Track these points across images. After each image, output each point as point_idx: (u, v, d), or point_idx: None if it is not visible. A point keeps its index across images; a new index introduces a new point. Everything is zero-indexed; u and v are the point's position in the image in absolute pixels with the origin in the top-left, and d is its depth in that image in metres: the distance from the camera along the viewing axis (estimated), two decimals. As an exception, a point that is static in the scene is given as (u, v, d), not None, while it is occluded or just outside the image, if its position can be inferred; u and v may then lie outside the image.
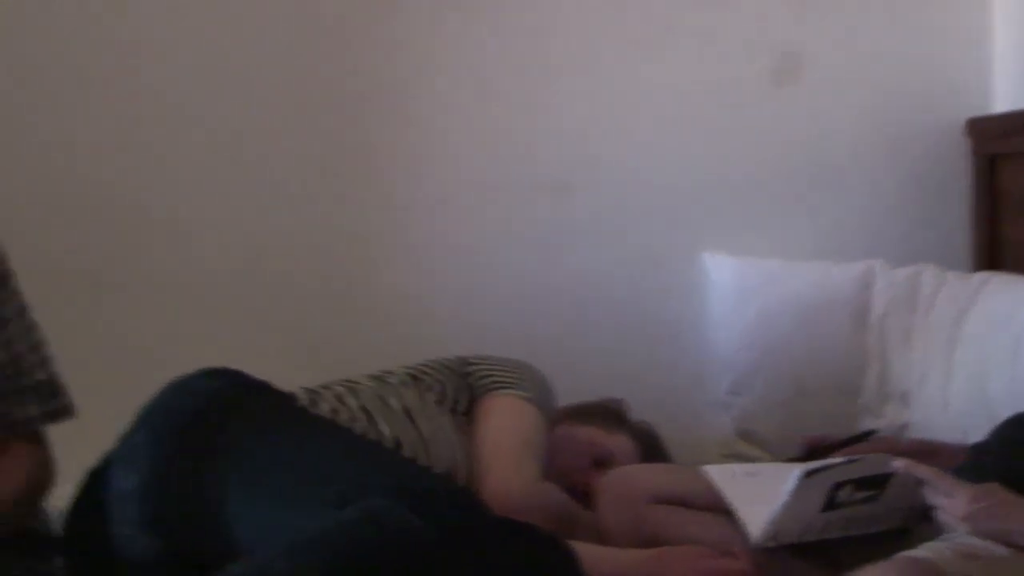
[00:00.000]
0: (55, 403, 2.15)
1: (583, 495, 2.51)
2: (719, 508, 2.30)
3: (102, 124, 2.87)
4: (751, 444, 3.05)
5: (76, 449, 2.18)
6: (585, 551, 2.00)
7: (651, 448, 2.73)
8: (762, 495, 2.20)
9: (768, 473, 2.37)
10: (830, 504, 2.13)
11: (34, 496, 2.13)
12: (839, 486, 2.11)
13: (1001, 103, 3.29)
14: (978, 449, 2.31)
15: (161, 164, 2.89)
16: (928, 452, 2.38)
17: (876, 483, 2.14)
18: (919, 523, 2.18)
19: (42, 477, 2.15)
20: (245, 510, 2.00)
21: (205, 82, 2.92)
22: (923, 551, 2.00)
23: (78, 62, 2.85)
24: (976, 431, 2.43)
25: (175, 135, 2.91)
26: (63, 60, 2.83)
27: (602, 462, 2.61)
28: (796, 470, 2.10)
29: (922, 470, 2.08)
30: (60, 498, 2.19)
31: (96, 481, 2.17)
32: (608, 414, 2.72)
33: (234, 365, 2.24)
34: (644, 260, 3.17)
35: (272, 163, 2.95)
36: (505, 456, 2.40)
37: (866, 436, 2.60)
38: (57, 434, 2.18)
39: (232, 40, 2.92)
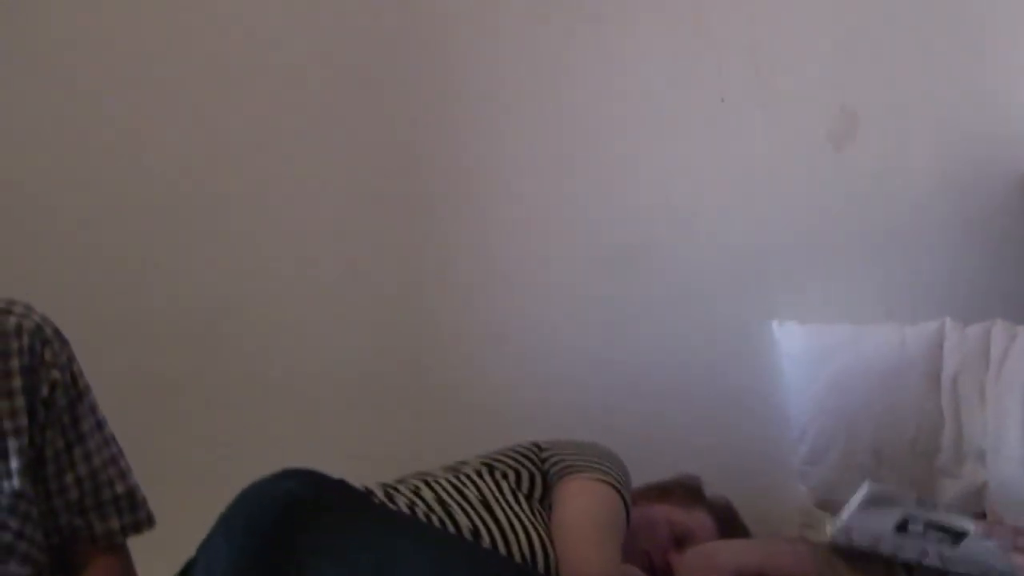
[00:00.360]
0: (135, 515, 2.17)
1: (663, 574, 2.50)
2: (802, 580, 2.29)
3: (180, 232, 2.88)
4: (830, 513, 3.02)
5: (156, 558, 2.20)
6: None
7: (729, 522, 2.72)
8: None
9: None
10: (903, 527, 2.15)
11: None
12: (913, 517, 2.14)
13: (1062, 151, 3.28)
14: None
15: (238, 264, 2.90)
16: None
17: (952, 531, 2.15)
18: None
19: None
20: (329, 611, 2.00)
21: (286, 189, 2.93)
22: None
23: (149, 174, 2.87)
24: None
25: (251, 239, 2.92)
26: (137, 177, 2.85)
27: (682, 540, 2.60)
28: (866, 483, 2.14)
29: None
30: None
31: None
32: (685, 491, 2.71)
33: (310, 463, 2.24)
34: (714, 329, 3.16)
35: (346, 252, 2.95)
36: (584, 539, 2.38)
37: None
38: (137, 544, 2.19)
39: (303, 143, 2.94)
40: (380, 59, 2.97)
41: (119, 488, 2.16)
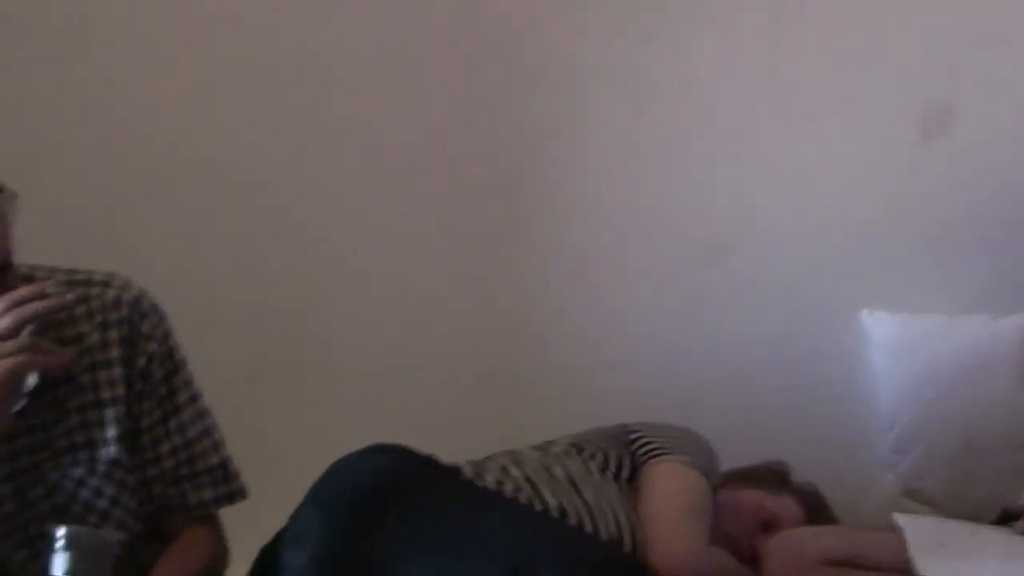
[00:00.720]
0: (229, 486, 2.21)
1: (750, 559, 2.50)
2: (889, 568, 2.27)
3: (293, 224, 2.94)
4: (919, 503, 3.00)
5: (248, 530, 2.24)
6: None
7: (816, 509, 2.71)
8: (945, 548, 2.18)
9: (958, 531, 2.35)
10: None
11: None
12: None
13: None
14: None
15: (343, 258, 2.95)
16: None
17: None
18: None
19: (217, 558, 2.21)
20: (416, 581, 2.03)
21: (376, 179, 2.97)
22: None
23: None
24: None
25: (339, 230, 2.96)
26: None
27: (768, 525, 2.59)
28: None
29: None
30: (234, 576, 2.25)
31: (269, 559, 2.21)
32: (772, 476, 2.70)
33: (400, 440, 2.27)
34: (803, 320, 3.14)
35: (438, 243, 2.98)
36: (672, 522, 2.39)
37: None
38: (229, 515, 2.23)
39: (407, 144, 2.98)
40: (470, 64, 3.01)
41: (213, 460, 2.19)
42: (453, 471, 2.30)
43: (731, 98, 3.11)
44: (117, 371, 2.11)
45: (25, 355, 1.89)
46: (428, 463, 2.24)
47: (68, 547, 1.85)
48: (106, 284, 2.13)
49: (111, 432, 2.09)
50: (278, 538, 2.21)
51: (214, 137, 2.92)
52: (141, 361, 2.13)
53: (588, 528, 2.33)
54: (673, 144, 3.09)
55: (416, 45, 2.99)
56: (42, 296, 1.91)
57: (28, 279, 2.04)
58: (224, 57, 2.98)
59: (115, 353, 2.11)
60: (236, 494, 2.22)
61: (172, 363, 2.18)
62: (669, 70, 3.08)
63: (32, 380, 2.02)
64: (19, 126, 2.84)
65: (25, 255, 2.00)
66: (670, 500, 2.43)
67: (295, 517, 2.19)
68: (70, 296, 1.96)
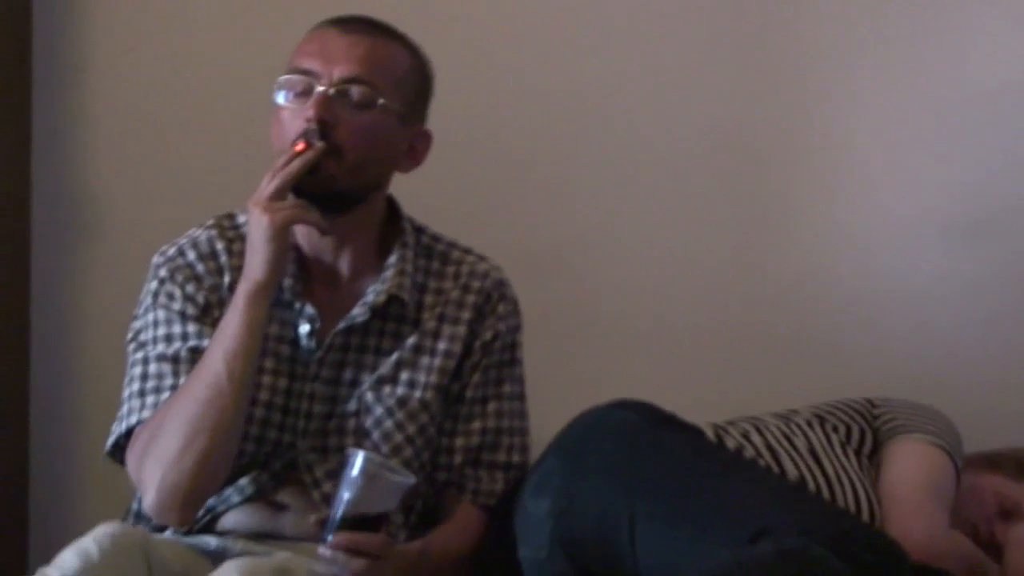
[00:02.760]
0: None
1: (987, 546, 2.45)
2: None
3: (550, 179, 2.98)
4: None
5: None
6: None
7: (1061, 502, 2.64)
8: None
9: None
10: None
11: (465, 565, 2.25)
12: None
13: None
14: None
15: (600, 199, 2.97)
16: None
17: None
18: None
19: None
20: (654, 538, 2.04)
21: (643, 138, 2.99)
22: None
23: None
24: None
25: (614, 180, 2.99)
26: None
27: (1009, 514, 2.53)
28: None
29: None
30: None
31: (507, 509, 2.25)
32: (1016, 464, 2.63)
33: (642, 397, 2.28)
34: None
35: (690, 202, 2.95)
36: (914, 501, 2.36)
37: None
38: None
39: (663, 112, 2.98)
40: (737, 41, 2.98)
41: (515, 458, 2.28)
42: (697, 430, 2.30)
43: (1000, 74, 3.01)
44: (462, 329, 2.24)
45: (294, 210, 2.08)
46: (672, 422, 2.24)
47: (362, 472, 1.93)
48: (482, 258, 2.31)
49: (434, 379, 2.20)
50: (518, 484, 2.24)
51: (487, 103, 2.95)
52: (488, 335, 2.25)
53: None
54: (935, 122, 3.00)
55: (682, 30, 2.97)
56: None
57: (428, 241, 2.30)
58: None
59: (467, 315, 2.24)
60: None
61: (512, 355, 2.29)
62: (935, 47, 3.00)
63: (379, 299, 2.18)
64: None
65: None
66: (913, 478, 2.40)
67: (536, 467, 2.22)
68: (319, 143, 2.08)
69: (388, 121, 2.16)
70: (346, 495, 1.94)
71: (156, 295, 2.20)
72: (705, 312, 2.93)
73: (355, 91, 2.12)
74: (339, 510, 1.94)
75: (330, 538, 1.94)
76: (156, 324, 2.19)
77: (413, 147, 2.24)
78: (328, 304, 2.20)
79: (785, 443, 2.41)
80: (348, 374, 2.19)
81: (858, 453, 2.46)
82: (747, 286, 2.95)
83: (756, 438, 2.40)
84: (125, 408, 2.17)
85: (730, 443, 2.36)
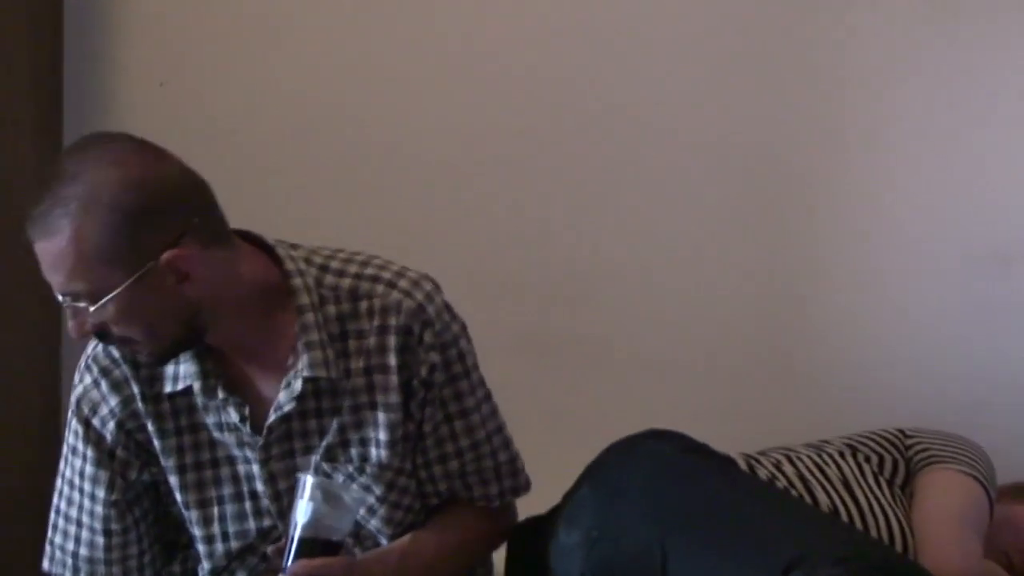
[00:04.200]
0: (514, 480, 2.24)
1: (1021, 576, 2.45)
2: None
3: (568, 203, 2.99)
4: None
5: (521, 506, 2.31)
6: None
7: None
8: None
9: None
10: None
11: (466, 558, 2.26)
12: None
13: None
14: None
15: (621, 238, 2.98)
16: None
17: None
18: None
19: (484, 542, 2.28)
20: (687, 569, 2.02)
21: (672, 173, 3.00)
22: None
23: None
24: None
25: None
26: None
27: (1042, 543, 2.53)
28: None
29: None
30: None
31: (534, 535, 2.25)
32: (1051, 495, 2.63)
33: (674, 427, 2.27)
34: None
35: (717, 229, 2.96)
36: (947, 532, 2.35)
37: None
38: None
39: (690, 132, 2.99)
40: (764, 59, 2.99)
41: (501, 457, 2.22)
42: (729, 460, 2.29)
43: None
44: (393, 378, 2.09)
45: None
46: (704, 451, 2.23)
47: (312, 497, 1.91)
48: (391, 285, 2.11)
49: (383, 436, 2.11)
50: (551, 514, 2.23)
51: (507, 128, 2.96)
52: (423, 371, 2.10)
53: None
54: (958, 147, 3.00)
55: (712, 46, 2.98)
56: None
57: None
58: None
59: (393, 360, 2.09)
60: (520, 488, 2.26)
61: (461, 368, 2.15)
62: (966, 78, 2.99)
63: (298, 386, 2.06)
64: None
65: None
66: (948, 509, 2.39)
67: (569, 496, 2.21)
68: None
69: (122, 297, 1.92)
70: (300, 520, 1.92)
71: None
72: (728, 343, 2.94)
73: (81, 302, 1.94)
74: (295, 536, 1.92)
75: (287, 566, 1.91)
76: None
77: (177, 275, 1.95)
78: (255, 384, 2.11)
79: (817, 473, 2.40)
80: (298, 443, 2.11)
81: (891, 483, 2.45)
82: (773, 318, 2.96)
83: (788, 468, 2.40)
84: None
85: (762, 473, 2.36)
